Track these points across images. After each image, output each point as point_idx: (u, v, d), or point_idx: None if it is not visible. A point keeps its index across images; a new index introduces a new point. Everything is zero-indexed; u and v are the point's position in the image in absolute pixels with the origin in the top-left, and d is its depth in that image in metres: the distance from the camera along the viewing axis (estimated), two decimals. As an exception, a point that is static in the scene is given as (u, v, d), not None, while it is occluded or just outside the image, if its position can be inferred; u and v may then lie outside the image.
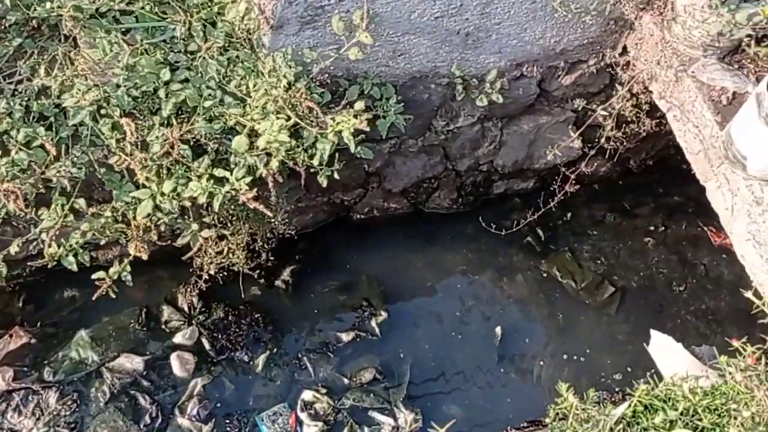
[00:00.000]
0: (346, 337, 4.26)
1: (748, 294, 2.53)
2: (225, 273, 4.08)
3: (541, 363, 4.32)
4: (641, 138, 4.54)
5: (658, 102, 3.87)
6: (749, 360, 2.34)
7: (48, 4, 3.24)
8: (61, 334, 4.10)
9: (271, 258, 4.19)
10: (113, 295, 3.31)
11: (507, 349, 4.38)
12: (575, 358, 4.39)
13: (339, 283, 4.50)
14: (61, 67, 3.38)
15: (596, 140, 4.30)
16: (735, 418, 2.32)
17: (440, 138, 4.25)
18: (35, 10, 3.26)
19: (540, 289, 4.65)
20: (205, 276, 4.04)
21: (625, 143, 4.38)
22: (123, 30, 3.39)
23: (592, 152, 4.13)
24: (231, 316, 4.24)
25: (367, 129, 3.21)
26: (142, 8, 3.34)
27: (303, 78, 3.38)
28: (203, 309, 4.25)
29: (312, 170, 3.50)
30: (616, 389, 4.18)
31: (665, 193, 5.04)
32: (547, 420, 2.60)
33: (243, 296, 4.28)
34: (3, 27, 3.34)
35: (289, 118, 3.29)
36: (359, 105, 3.38)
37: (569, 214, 4.91)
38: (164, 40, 3.41)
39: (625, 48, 3.98)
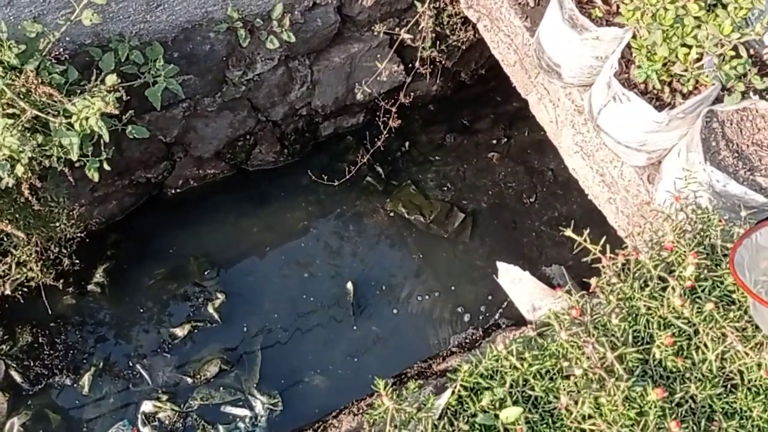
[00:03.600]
0: (181, 331, 3.79)
1: (568, 232, 2.25)
2: (24, 289, 3.50)
3: (396, 311, 4.04)
4: (464, 50, 4.18)
5: (467, 12, 3.48)
6: (574, 312, 2.09)
7: None
8: None
9: (76, 261, 3.61)
10: None
11: (363, 304, 4.06)
12: (436, 295, 4.13)
13: (165, 271, 3.97)
14: None
15: (418, 61, 3.89)
16: (567, 378, 2.08)
17: (241, 90, 3.71)
18: None
19: (389, 231, 4.31)
20: (-3, 301, 3.45)
21: (446, 59, 4.00)
22: None
23: (409, 79, 3.72)
24: (41, 337, 3.67)
25: (116, 112, 2.64)
26: None
27: (34, 58, 2.73)
28: (5, 337, 3.64)
29: (77, 165, 2.93)
30: (480, 324, 3.98)
31: (503, 101, 4.75)
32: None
33: (51, 312, 3.69)
34: None
35: (23, 112, 2.67)
36: (111, 79, 2.78)
37: (407, 144, 4.55)
38: None
39: (421, -45, 3.53)
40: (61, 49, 2.81)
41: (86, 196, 3.74)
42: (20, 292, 3.49)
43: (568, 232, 2.21)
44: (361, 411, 3.19)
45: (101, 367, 3.68)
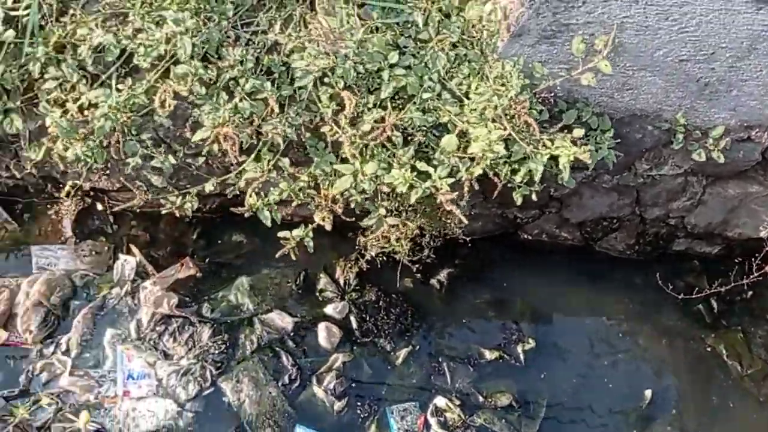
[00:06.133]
0: (489, 354, 4.16)
1: None
2: (384, 258, 4.08)
3: (682, 440, 4.05)
4: None
5: None
6: None
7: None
8: (224, 275, 4.23)
9: (432, 255, 4.18)
10: (294, 257, 3.40)
11: (652, 414, 4.13)
12: (722, 446, 4.08)
13: (492, 298, 4.40)
14: (296, 27, 3.43)
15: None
16: None
17: (638, 181, 4.03)
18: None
19: (701, 363, 4.35)
20: (368, 256, 4.06)
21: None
22: (359, 3, 3.43)
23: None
24: (382, 301, 4.25)
25: (589, 161, 3.08)
26: (385, -13, 3.36)
27: (527, 91, 3.29)
28: (357, 287, 4.27)
29: (509, 185, 3.43)
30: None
31: None
32: None
33: (397, 285, 4.28)
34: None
35: (504, 129, 3.22)
36: (578, 132, 3.26)
37: (750, 293, 4.55)
38: (398, 23, 3.42)
39: None
40: (546, 93, 3.35)
41: (466, 208, 4.28)
42: (380, 259, 4.09)
43: None
44: None
45: (416, 349, 4.16)
